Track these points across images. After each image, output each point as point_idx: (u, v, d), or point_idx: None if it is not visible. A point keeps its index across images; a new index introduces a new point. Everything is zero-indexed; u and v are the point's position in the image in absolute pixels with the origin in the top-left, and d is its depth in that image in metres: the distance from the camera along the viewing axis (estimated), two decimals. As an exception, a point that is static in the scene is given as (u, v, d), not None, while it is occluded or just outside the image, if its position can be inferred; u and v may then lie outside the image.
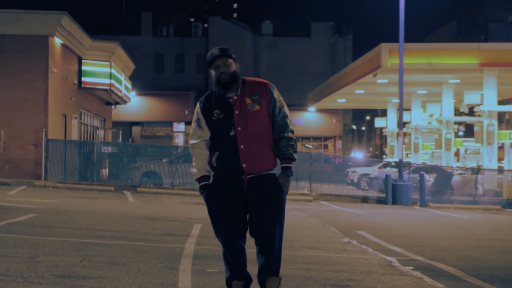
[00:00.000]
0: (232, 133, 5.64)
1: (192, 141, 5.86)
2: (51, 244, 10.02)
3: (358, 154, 69.90)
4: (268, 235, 5.76)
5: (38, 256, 8.76)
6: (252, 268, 6.23)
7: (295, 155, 5.78)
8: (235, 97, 5.74)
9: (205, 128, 5.79)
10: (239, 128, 5.64)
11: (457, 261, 10.58)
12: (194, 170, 5.84)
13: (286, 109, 5.87)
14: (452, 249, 12.24)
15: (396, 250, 11.77)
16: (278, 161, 5.91)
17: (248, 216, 5.82)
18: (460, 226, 18.08)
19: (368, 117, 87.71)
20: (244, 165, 5.64)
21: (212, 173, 5.91)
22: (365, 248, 11.80)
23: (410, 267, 9.56)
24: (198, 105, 5.91)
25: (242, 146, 5.63)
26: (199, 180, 5.84)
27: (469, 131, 56.27)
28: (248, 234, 5.97)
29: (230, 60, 5.77)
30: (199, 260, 9.16)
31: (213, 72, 5.79)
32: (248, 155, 5.64)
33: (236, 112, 5.69)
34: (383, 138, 77.19)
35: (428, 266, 9.84)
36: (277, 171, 5.93)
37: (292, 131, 5.82)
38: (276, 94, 5.83)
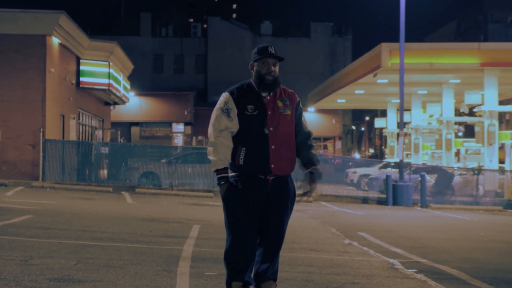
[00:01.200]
0: (266, 131, 5.57)
1: (218, 129, 5.60)
2: (47, 246, 9.81)
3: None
4: (280, 239, 5.76)
5: (33, 259, 8.56)
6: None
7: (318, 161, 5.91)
8: (268, 97, 5.69)
9: (236, 120, 5.61)
10: (271, 129, 5.58)
11: (461, 263, 10.38)
12: (215, 159, 5.58)
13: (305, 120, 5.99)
14: (455, 251, 12.04)
15: (398, 252, 11.58)
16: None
17: (262, 217, 5.72)
18: (462, 227, 17.89)
19: (367, 118, 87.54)
20: (272, 166, 5.58)
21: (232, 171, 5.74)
22: (367, 250, 11.61)
23: (413, 270, 9.36)
24: (228, 94, 5.69)
25: (273, 147, 5.57)
26: (221, 171, 5.60)
27: (468, 131, 56.04)
28: None
29: (278, 64, 5.74)
30: (197, 262, 8.95)
31: (259, 67, 5.68)
32: (277, 156, 5.59)
33: (269, 112, 5.63)
34: (383, 139, 77.08)
35: (431, 269, 9.65)
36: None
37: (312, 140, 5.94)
38: (301, 105, 5.94)
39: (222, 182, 5.62)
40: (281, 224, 5.70)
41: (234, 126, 5.60)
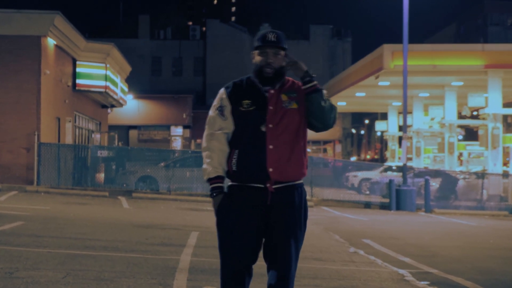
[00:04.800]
0: (263, 129, 4.69)
1: (210, 131, 4.81)
2: (35, 256, 9.22)
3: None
4: (289, 261, 4.71)
5: (18, 271, 7.97)
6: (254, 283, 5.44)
7: (325, 96, 4.80)
8: (271, 91, 4.80)
9: (230, 118, 4.78)
10: (270, 125, 4.69)
11: (475, 274, 9.79)
12: (208, 167, 4.74)
13: None
14: (466, 260, 11.45)
15: (406, 261, 11.00)
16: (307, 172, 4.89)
17: (266, 235, 4.74)
18: (470, 233, 17.30)
19: (367, 121, 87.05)
20: (270, 170, 4.65)
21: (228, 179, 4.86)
22: (374, 259, 11.03)
23: (426, 282, 8.77)
24: (223, 90, 4.89)
25: (271, 146, 4.67)
26: (214, 180, 4.74)
27: (469, 134, 55.57)
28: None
29: (282, 53, 4.84)
30: (195, 274, 8.37)
31: (257, 58, 4.83)
32: (277, 158, 4.66)
33: (271, 107, 4.74)
34: (383, 142, 76.54)
35: (444, 281, 9.06)
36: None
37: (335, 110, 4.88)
38: None
39: (215, 194, 4.75)
40: (288, 247, 4.69)
41: (229, 126, 4.78)
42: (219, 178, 4.75)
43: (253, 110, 4.74)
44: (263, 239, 4.76)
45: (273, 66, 4.78)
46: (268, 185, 4.66)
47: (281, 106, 4.77)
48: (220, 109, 4.81)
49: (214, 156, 4.76)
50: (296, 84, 4.92)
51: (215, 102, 4.88)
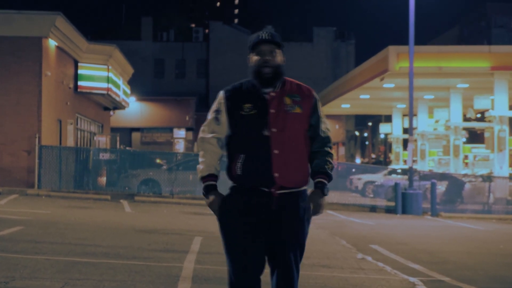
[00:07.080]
0: (266, 133, 4.53)
1: (203, 135, 4.70)
2: (33, 264, 8.89)
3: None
4: (292, 266, 4.59)
5: (14, 280, 7.64)
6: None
7: (332, 174, 4.74)
8: (272, 94, 4.63)
9: (224, 124, 4.65)
10: (273, 130, 4.53)
11: (489, 283, 9.45)
12: (201, 166, 4.65)
13: (327, 122, 4.89)
14: (478, 268, 11.10)
15: (416, 268, 10.66)
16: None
17: (271, 240, 4.60)
18: (478, 238, 16.94)
19: (370, 123, 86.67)
20: (276, 175, 4.50)
21: (231, 182, 4.65)
22: (383, 266, 10.69)
23: (439, 291, 8.43)
24: (222, 94, 4.73)
25: (276, 151, 4.51)
26: (206, 178, 4.62)
27: (472, 137, 55.24)
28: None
29: (278, 50, 4.68)
30: (199, 284, 8.03)
31: (253, 58, 4.68)
32: (282, 163, 4.52)
33: (272, 110, 4.57)
34: (387, 144, 76.20)
35: (458, 290, 8.72)
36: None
37: (331, 147, 4.81)
38: (319, 103, 4.84)
39: (207, 192, 4.60)
40: (292, 250, 4.58)
41: (222, 130, 4.65)
42: (212, 176, 4.66)
43: (254, 114, 4.60)
44: (267, 244, 4.63)
45: (270, 64, 4.63)
46: (272, 190, 4.54)
47: (283, 109, 4.62)
48: (217, 113, 4.71)
49: (207, 156, 4.69)
50: (302, 88, 4.78)
51: (214, 105, 4.76)
